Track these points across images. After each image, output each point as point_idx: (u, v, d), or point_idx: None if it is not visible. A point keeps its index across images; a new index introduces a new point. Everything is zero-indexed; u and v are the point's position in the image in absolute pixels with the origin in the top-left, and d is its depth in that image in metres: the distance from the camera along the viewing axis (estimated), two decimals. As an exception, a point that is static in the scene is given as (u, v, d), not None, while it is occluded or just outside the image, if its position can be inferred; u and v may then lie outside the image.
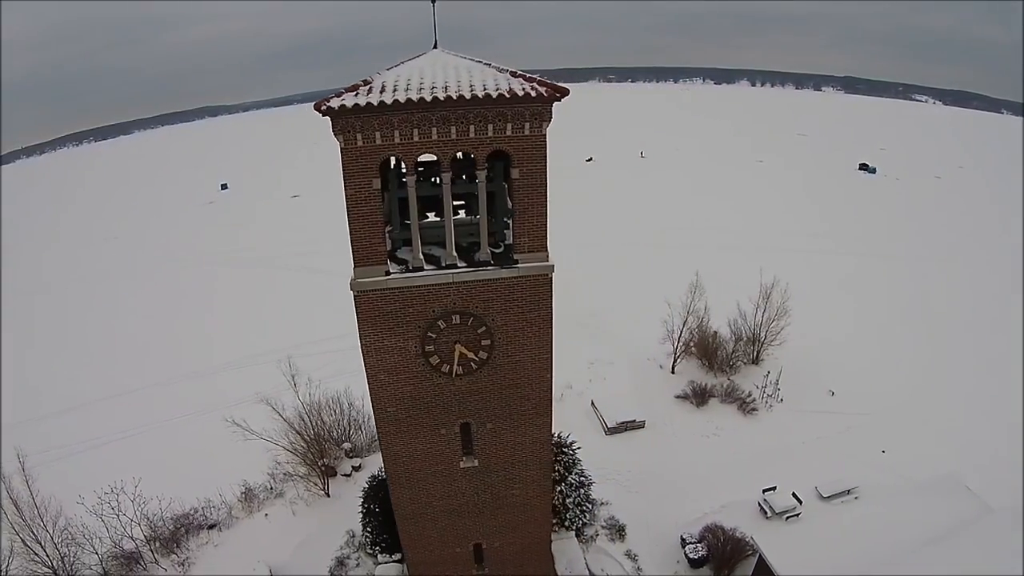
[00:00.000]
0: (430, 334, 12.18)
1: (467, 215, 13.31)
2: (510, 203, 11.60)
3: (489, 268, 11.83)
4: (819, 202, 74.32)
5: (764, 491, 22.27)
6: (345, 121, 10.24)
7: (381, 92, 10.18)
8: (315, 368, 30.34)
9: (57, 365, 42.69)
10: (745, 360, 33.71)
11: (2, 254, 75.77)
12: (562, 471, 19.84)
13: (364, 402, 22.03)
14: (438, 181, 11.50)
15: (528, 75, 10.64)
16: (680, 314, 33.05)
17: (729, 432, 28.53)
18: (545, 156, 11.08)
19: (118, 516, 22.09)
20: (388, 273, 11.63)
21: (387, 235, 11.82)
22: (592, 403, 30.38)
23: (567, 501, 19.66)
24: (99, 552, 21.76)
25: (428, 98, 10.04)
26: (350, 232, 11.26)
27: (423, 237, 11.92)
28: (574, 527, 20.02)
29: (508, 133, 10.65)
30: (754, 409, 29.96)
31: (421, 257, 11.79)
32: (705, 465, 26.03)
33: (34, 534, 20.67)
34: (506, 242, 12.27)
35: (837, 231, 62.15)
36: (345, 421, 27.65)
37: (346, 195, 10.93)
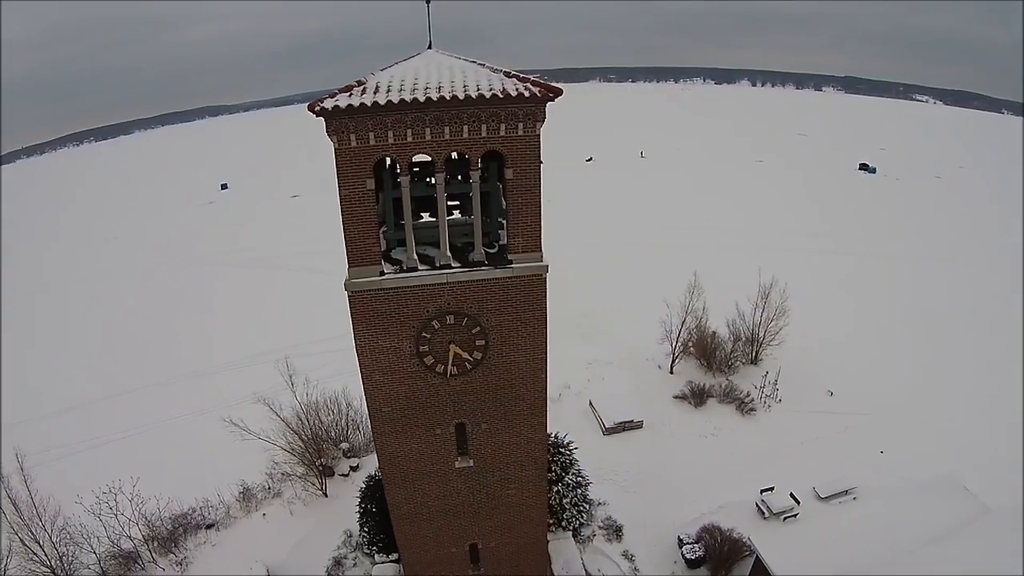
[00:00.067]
0: (424, 334, 12.18)
1: (462, 215, 13.31)
2: (504, 203, 11.60)
3: (483, 268, 11.82)
4: (819, 202, 74.28)
5: (762, 491, 22.25)
6: (339, 122, 10.23)
7: (375, 93, 10.18)
8: (314, 368, 30.37)
9: (57, 365, 42.75)
10: (744, 360, 33.69)
11: (2, 254, 75.92)
12: (559, 471, 19.84)
13: (362, 402, 21.99)
14: (432, 181, 11.51)
15: (522, 75, 10.63)
16: (678, 314, 33.03)
17: (727, 432, 28.51)
18: (539, 156, 11.07)
19: (116, 516, 22.17)
20: (382, 273, 11.63)
21: (382, 236, 11.83)
22: (590, 403, 30.38)
23: (564, 501, 19.66)
24: (97, 552, 21.80)
25: (421, 99, 10.03)
26: (344, 232, 11.26)
27: (418, 237, 11.93)
28: (571, 527, 20.02)
29: (502, 133, 10.64)
30: (752, 409, 29.94)
31: (415, 257, 11.79)
32: (703, 465, 26.01)
33: (32, 534, 20.72)
34: (500, 242, 12.27)
35: (837, 231, 62.10)
36: (343, 421, 27.68)
37: (340, 196, 10.93)
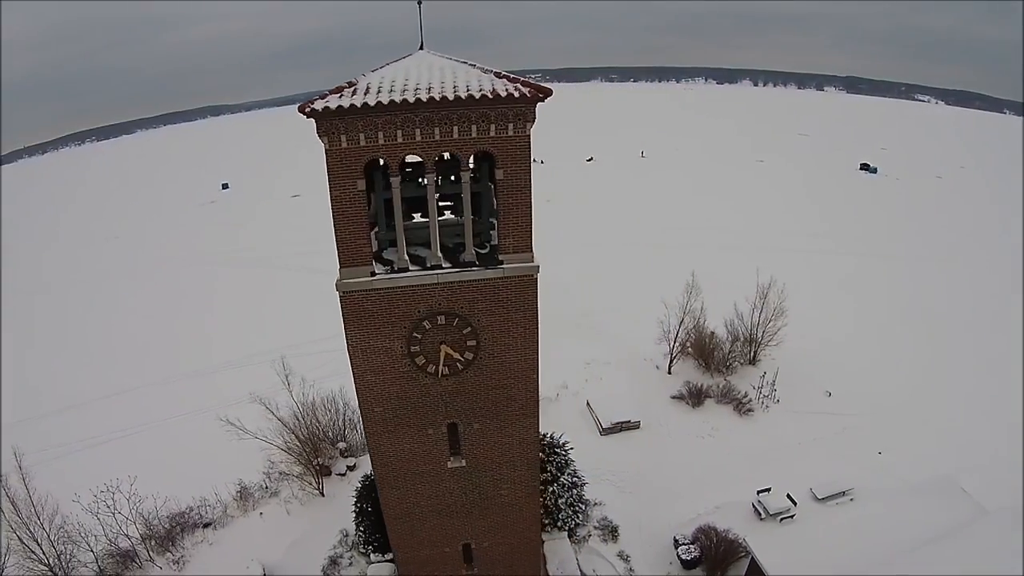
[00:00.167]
0: (416, 334, 12.19)
1: (453, 216, 13.31)
2: (495, 204, 11.60)
3: (474, 269, 11.82)
4: (819, 202, 74.19)
5: (758, 492, 22.27)
6: (329, 123, 10.25)
7: (365, 94, 10.18)
8: (313, 368, 30.46)
9: (56, 364, 42.88)
10: (742, 360, 33.66)
11: (2, 254, 76.12)
12: (554, 471, 19.80)
13: (358, 402, 22.18)
14: (424, 182, 11.51)
15: (512, 75, 10.62)
16: (676, 314, 33.00)
17: (724, 433, 28.48)
18: (529, 157, 11.06)
19: (114, 514, 22.26)
20: (374, 274, 11.64)
21: (373, 236, 11.84)
22: (587, 403, 30.37)
23: (559, 501, 19.62)
24: (95, 550, 21.90)
25: (411, 99, 10.04)
26: (335, 233, 11.28)
27: (409, 238, 11.93)
28: (567, 528, 19.99)
29: (492, 134, 10.64)
30: (750, 410, 29.90)
31: (406, 258, 11.80)
32: (700, 466, 25.99)
33: (31, 532, 20.82)
34: (491, 243, 12.27)
35: (837, 231, 62.02)
36: (340, 421, 27.72)
37: (331, 196, 10.95)
